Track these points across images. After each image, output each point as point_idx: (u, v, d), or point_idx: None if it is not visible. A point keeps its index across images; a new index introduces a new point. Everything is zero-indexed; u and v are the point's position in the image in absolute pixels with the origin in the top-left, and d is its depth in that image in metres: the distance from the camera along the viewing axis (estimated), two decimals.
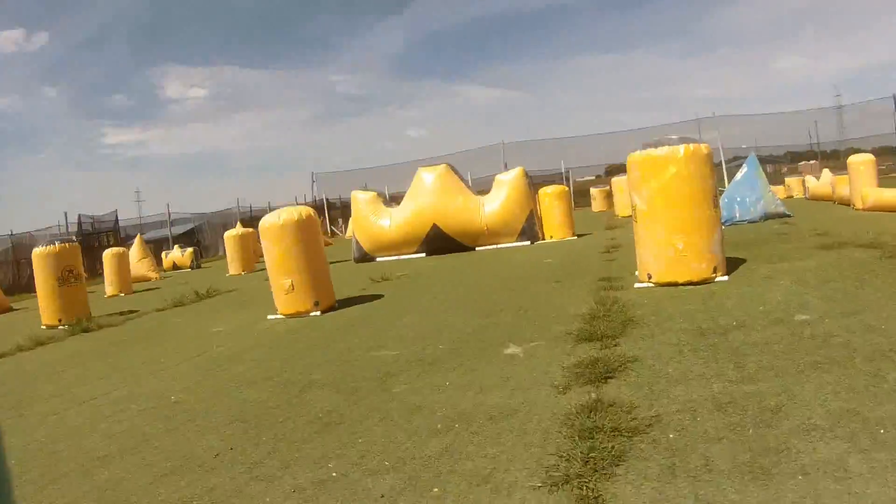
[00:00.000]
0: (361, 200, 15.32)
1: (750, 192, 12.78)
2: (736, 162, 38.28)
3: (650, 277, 6.26)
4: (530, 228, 14.59)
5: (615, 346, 3.93)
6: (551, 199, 15.16)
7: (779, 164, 38.87)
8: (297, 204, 37.86)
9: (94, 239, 31.77)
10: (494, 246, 14.47)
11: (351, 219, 15.84)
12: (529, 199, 14.83)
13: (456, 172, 15.04)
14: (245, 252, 18.79)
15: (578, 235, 14.94)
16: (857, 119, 40.10)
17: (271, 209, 35.77)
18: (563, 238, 14.71)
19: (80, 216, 31.84)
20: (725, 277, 6.04)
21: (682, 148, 6.04)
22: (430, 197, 14.51)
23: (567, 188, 15.85)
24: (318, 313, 7.49)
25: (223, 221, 35.02)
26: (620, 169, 34.37)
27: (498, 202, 14.45)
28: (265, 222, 7.94)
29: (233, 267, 18.41)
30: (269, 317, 7.73)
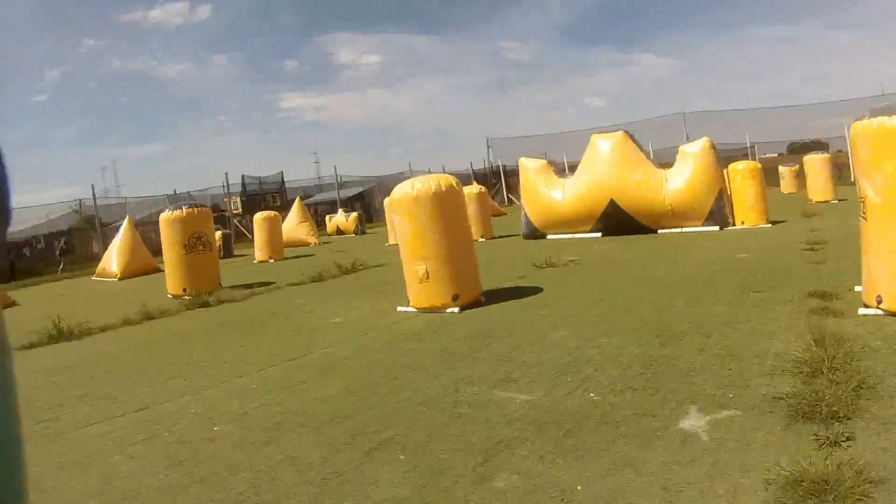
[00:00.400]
0: (531, 169, 14.39)
1: None
2: None
3: (880, 302, 4.71)
4: (720, 211, 12.90)
5: (846, 440, 2.68)
6: (743, 178, 13.28)
7: None
8: (473, 171, 37.88)
9: (259, 200, 33.64)
10: (679, 230, 12.98)
11: (520, 190, 14.95)
12: (719, 175, 13.11)
13: (635, 141, 13.61)
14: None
15: (772, 222, 13.03)
16: None
17: (445, 171, 35.67)
18: (755, 225, 12.88)
19: (243, 176, 33.74)
20: None
21: None
22: (607, 168, 13.24)
23: (759, 165, 13.82)
24: (456, 310, 6.52)
25: (394, 186, 35.72)
26: (806, 147, 31.34)
27: (683, 178, 12.88)
28: (396, 193, 6.90)
29: (392, 236, 17.25)
30: (399, 309, 6.96)
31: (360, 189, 37.50)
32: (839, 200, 17.93)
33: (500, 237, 16.09)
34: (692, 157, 12.97)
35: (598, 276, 8.40)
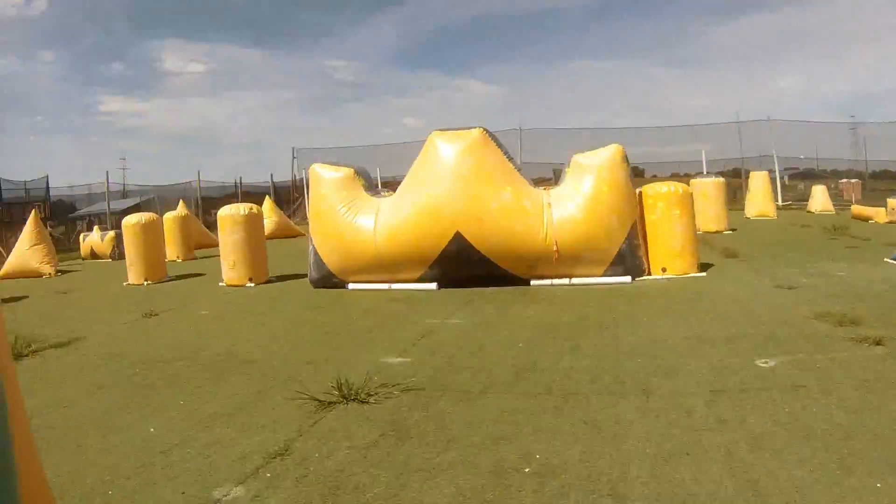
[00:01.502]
0: (326, 181, 8.52)
1: None
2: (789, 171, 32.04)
3: None
4: (631, 253, 7.92)
5: None
6: (667, 205, 8.41)
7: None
8: (274, 184, 31.80)
9: (15, 210, 25.17)
10: (567, 281, 7.84)
11: (309, 212, 9.13)
12: (632, 201, 8.17)
13: (498, 144, 8.31)
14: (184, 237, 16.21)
15: (702, 266, 8.31)
16: None
17: (241, 186, 28.11)
18: (683, 273, 8.04)
19: None
20: None
21: None
22: (452, 183, 7.81)
23: (689, 189, 9.01)
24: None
25: (181, 196, 27.98)
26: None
27: (577, 203, 7.79)
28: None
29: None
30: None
31: (136, 200, 29.21)
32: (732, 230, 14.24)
33: (276, 280, 10.11)
34: (593, 172, 7.90)
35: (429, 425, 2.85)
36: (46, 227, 19.93)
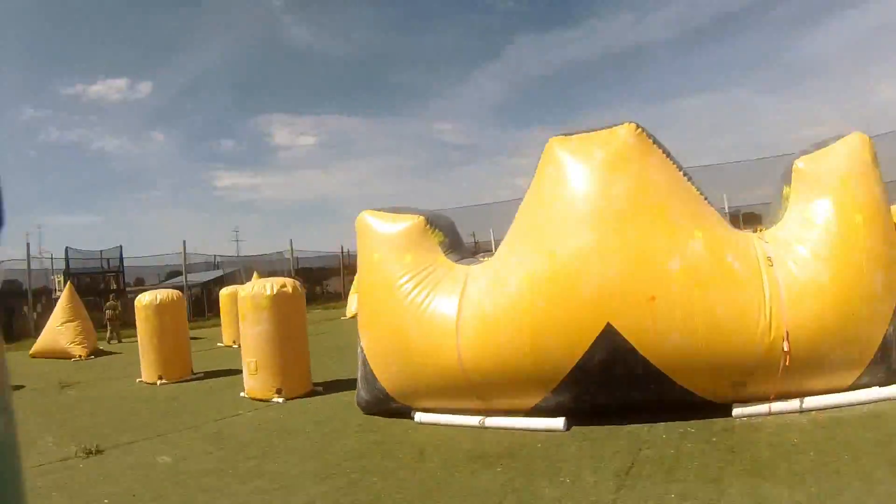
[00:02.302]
0: (382, 237, 5.19)
1: None
2: None
3: None
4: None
5: None
6: None
7: None
8: (345, 254, 29.05)
9: (91, 281, 23.57)
10: (796, 404, 4.28)
11: (357, 291, 5.88)
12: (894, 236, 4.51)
13: (663, 149, 4.74)
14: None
15: None
16: None
17: (345, 255, 24.99)
18: None
19: (67, 249, 23.68)
20: None
21: None
22: (594, 231, 4.37)
23: None
24: None
25: (270, 269, 25.60)
26: None
27: (816, 252, 4.37)
28: None
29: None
30: None
31: (220, 272, 27.08)
32: None
33: (323, 390, 6.85)
34: (833, 187, 4.46)
35: None
36: (117, 302, 18.19)
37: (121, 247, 24.62)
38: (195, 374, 9.35)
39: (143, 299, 9.41)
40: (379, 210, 5.32)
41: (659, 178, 4.54)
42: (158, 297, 9.44)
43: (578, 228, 4.33)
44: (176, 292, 9.78)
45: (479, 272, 4.74)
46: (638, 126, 4.63)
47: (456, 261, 5.02)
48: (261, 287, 7.05)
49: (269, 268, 24.51)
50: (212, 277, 26.13)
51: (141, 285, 29.94)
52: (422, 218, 5.09)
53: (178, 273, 26.87)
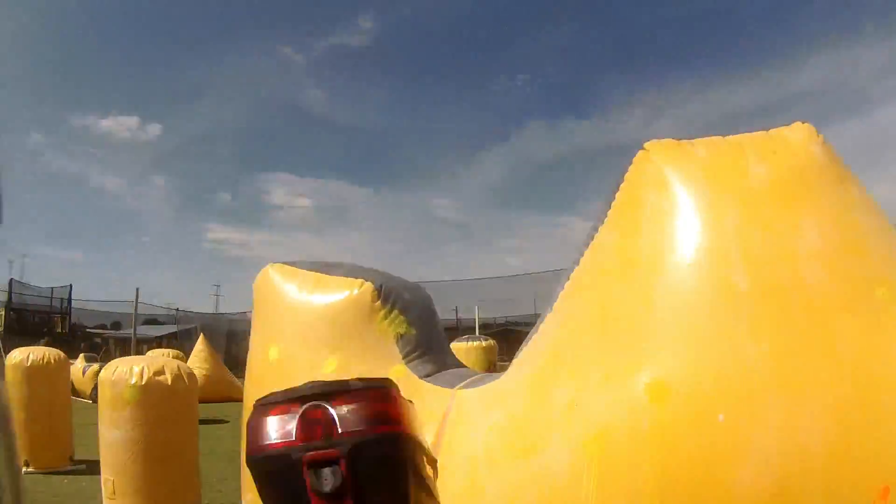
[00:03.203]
0: (290, 310, 2.65)
1: None
2: None
3: None
4: None
5: None
6: None
7: None
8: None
9: (32, 320, 20.84)
10: None
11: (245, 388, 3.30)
12: None
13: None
14: None
15: None
16: None
17: None
18: None
19: (11, 281, 21.07)
20: None
21: None
22: (759, 339, 1.77)
23: None
24: None
25: (230, 328, 22.64)
26: None
27: None
28: None
29: None
30: None
31: (174, 328, 24.08)
32: None
33: None
34: None
35: None
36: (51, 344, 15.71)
37: (70, 286, 21.93)
38: (75, 462, 6.99)
39: (14, 357, 6.91)
40: (296, 263, 2.82)
41: (869, 223, 2.07)
42: (31, 357, 6.92)
43: (725, 328, 1.81)
44: (55, 352, 7.19)
45: (474, 409, 2.20)
46: (809, 126, 2.19)
47: (426, 376, 2.49)
48: (126, 370, 4.51)
49: (229, 326, 21.69)
50: (163, 333, 23.19)
51: (105, 328, 27.25)
52: (368, 285, 2.54)
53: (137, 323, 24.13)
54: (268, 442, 0.92)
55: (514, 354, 2.47)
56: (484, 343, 8.62)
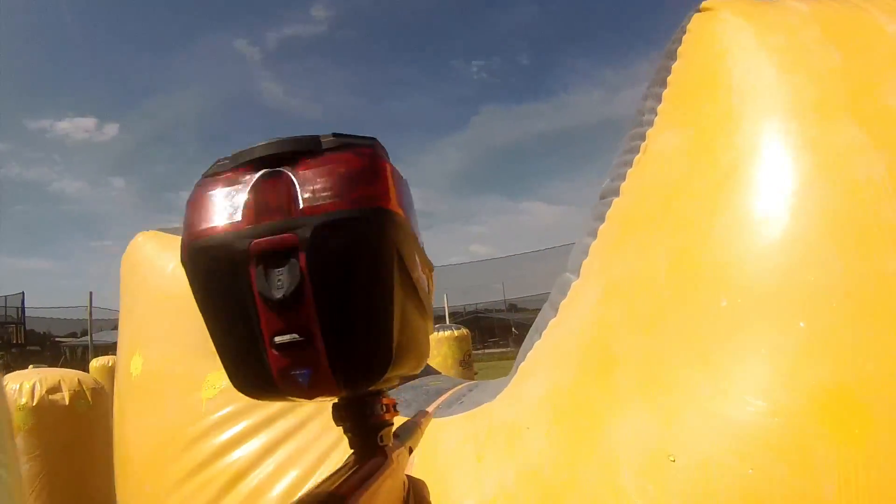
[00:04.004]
0: (161, 296, 1.84)
1: None
2: None
3: None
4: None
5: None
6: None
7: None
8: None
9: None
10: None
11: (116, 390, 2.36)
12: None
13: None
14: None
15: None
16: None
17: None
18: None
19: None
20: None
21: None
22: None
23: None
24: None
25: None
26: None
27: None
28: None
29: None
30: None
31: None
32: None
33: None
34: None
35: None
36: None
37: (23, 293, 20.63)
38: None
39: None
40: (179, 228, 1.97)
41: None
42: None
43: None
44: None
45: (462, 455, 1.33)
46: None
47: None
48: (15, 388, 3.56)
49: None
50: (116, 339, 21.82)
51: (76, 336, 25.96)
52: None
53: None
54: (207, 226, 0.53)
55: (485, 342, 1.57)
56: (456, 332, 7.69)
